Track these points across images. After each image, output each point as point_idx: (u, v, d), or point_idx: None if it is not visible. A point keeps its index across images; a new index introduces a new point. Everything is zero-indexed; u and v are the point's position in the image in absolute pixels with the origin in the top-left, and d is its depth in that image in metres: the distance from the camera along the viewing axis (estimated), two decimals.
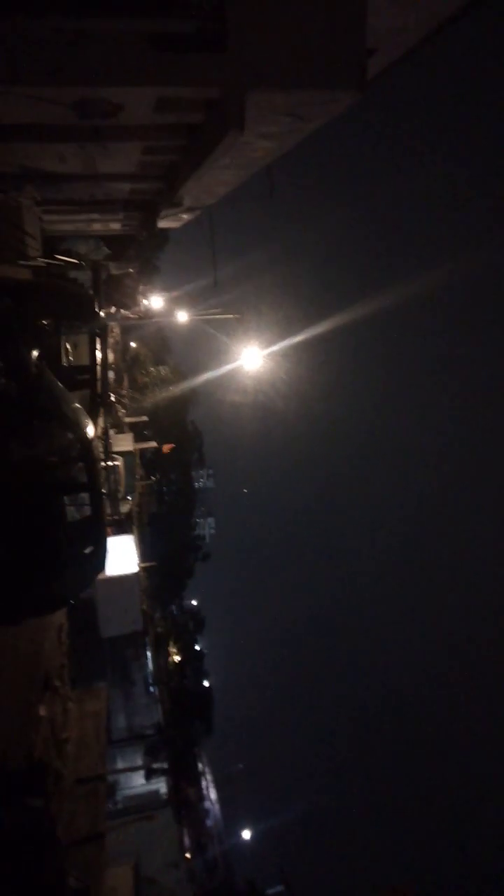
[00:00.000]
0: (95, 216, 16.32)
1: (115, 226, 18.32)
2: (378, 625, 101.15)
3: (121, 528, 19.87)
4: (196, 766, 35.23)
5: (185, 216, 14.08)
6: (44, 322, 10.73)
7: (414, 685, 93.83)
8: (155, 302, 28.05)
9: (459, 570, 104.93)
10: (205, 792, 35.53)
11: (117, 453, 20.57)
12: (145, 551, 27.43)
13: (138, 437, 27.13)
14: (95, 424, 10.37)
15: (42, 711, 12.06)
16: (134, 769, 24.88)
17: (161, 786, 25.30)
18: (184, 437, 39.44)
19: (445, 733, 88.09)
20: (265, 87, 6.68)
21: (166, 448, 31.42)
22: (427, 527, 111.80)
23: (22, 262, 12.71)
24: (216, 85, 6.86)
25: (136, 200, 14.68)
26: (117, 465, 19.88)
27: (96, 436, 10.19)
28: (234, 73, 6.62)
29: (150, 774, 25.46)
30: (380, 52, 8.90)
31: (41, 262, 13.68)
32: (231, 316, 21.69)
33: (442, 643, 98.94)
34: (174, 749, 28.25)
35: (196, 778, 34.65)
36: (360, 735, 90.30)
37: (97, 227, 18.05)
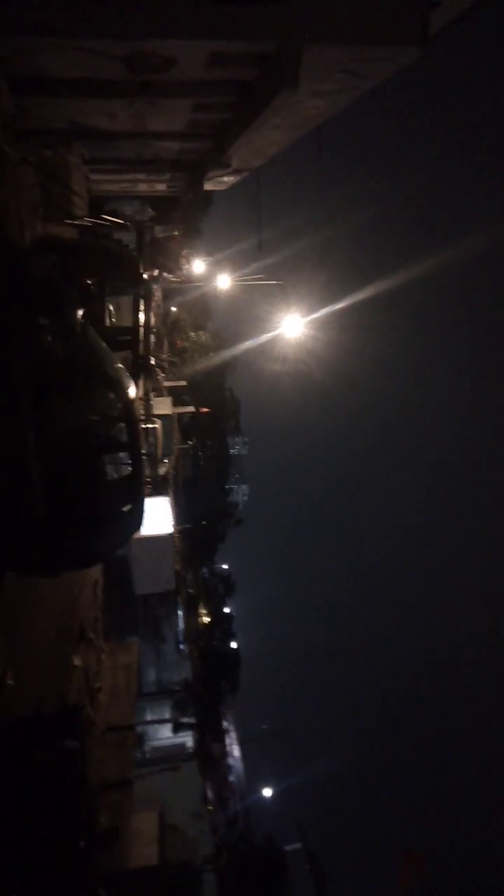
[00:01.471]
0: (141, 176, 16.18)
1: (161, 187, 18.15)
2: (410, 592, 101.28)
3: (157, 490, 20.15)
4: (221, 724, 36.19)
5: (232, 178, 13.84)
6: (88, 282, 10.79)
7: (445, 653, 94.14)
8: (197, 266, 27.86)
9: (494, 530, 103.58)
10: (229, 749, 36.58)
11: (156, 416, 20.75)
12: (180, 514, 27.84)
13: (177, 402, 27.30)
14: (137, 386, 10.47)
15: (77, 661, 12.54)
16: (162, 721, 25.74)
17: (187, 739, 26.18)
18: (221, 404, 39.52)
19: (472, 704, 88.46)
20: (322, 42, 6.46)
21: (203, 411, 31.53)
22: (461, 495, 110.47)
23: (68, 221, 12.74)
24: (271, 39, 6.67)
25: (183, 161, 14.48)
26: (156, 428, 20.08)
27: (137, 397, 10.30)
28: (291, 27, 6.42)
29: (177, 728, 26.33)
30: (442, 7, 8.48)
31: (87, 221, 13.68)
32: (273, 282, 21.42)
33: (479, 608, 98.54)
34: (201, 705, 29.10)
35: (221, 735, 35.63)
36: (384, 700, 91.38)
37: (143, 187, 17.91)
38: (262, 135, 9.60)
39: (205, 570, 42.22)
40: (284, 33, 6.53)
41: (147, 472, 18.00)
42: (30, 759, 6.76)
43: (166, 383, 27.37)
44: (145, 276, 13.80)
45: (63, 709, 8.09)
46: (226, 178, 13.63)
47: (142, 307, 12.28)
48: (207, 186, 14.99)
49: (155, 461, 19.75)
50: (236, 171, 13.01)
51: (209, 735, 30.44)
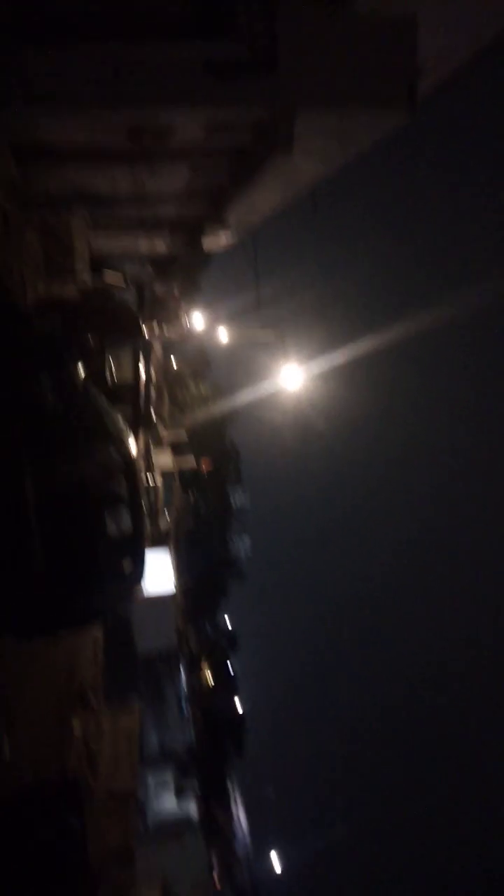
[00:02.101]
0: (142, 237, 16.67)
1: (161, 246, 18.68)
2: (417, 648, 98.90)
3: (158, 544, 19.95)
4: (226, 788, 34.75)
5: (230, 237, 14.26)
6: (90, 339, 10.96)
7: (458, 711, 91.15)
8: (196, 320, 28.42)
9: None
10: (234, 814, 34.99)
11: (157, 469, 20.74)
12: (181, 568, 27.46)
13: (177, 454, 27.33)
14: (137, 441, 10.49)
15: (76, 726, 12.09)
16: (164, 789, 24.70)
17: (191, 807, 25.05)
18: (222, 455, 39.55)
19: (498, 763, 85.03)
20: (314, 108, 6.73)
21: (205, 465, 31.52)
22: (472, 555, 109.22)
23: (70, 282, 13.04)
24: (265, 106, 6.95)
25: (182, 221, 14.94)
26: (156, 482, 20.05)
27: (138, 451, 10.29)
28: (284, 95, 6.70)
29: (180, 795, 25.22)
30: (428, 73, 8.89)
31: (89, 280, 14.02)
32: (271, 335, 21.78)
33: (486, 663, 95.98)
34: (204, 770, 27.96)
35: (226, 800, 34.14)
36: (396, 761, 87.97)
37: (143, 247, 18.43)
38: (257, 196, 9.93)
39: (208, 625, 41.33)
40: (277, 100, 6.81)
41: (148, 526, 17.85)
42: (28, 836, 6.42)
43: (166, 436, 27.49)
44: (145, 331, 14.04)
45: (63, 781, 7.72)
46: (224, 238, 14.03)
47: (142, 362, 12.44)
48: (206, 245, 15.43)
49: (156, 515, 19.62)
50: (234, 231, 13.41)
51: (213, 800, 29.16)
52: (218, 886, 24.39)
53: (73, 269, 12.75)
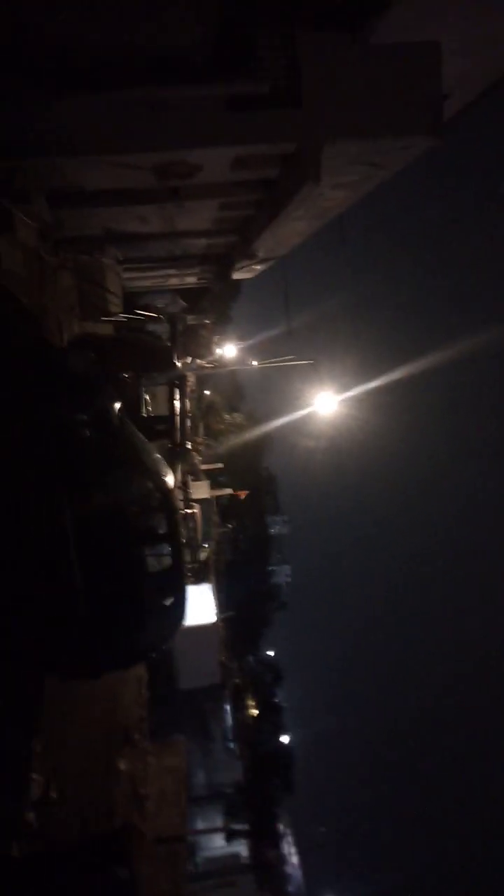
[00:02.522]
0: (172, 271, 16.95)
1: (191, 279, 18.97)
2: (468, 672, 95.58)
3: (198, 577, 19.82)
4: (276, 827, 33.76)
5: (259, 267, 14.36)
6: (125, 375, 11.08)
7: None
8: (229, 351, 28.61)
9: None
10: (286, 855, 33.90)
11: (194, 501, 20.71)
12: (222, 600, 27.21)
13: (214, 484, 27.32)
14: (174, 474, 10.47)
15: (122, 766, 11.88)
16: (214, 830, 24.08)
17: (242, 848, 24.32)
18: (258, 484, 39.42)
19: None
20: (341, 139, 6.72)
21: (242, 494, 31.43)
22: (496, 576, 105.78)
23: (104, 319, 13.28)
24: (292, 140, 6.98)
25: (211, 254, 15.15)
26: (194, 513, 19.99)
27: (176, 485, 10.26)
28: (310, 127, 6.71)
29: (230, 836, 24.53)
30: (453, 97, 8.86)
31: (122, 317, 14.26)
32: (304, 361, 21.73)
33: None
34: (254, 809, 27.22)
35: (277, 840, 33.14)
36: (454, 789, 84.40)
37: (174, 281, 18.75)
38: (285, 226, 9.96)
39: (251, 658, 40.74)
40: (303, 134, 6.83)
41: (188, 559, 17.75)
42: (77, 887, 6.24)
43: (203, 466, 27.52)
44: (178, 364, 14.16)
45: (111, 831, 7.54)
46: (253, 268, 14.14)
47: (176, 395, 12.51)
48: (235, 276, 15.58)
49: (195, 547, 19.52)
50: (262, 261, 13.51)
51: (264, 841, 28.31)
52: None
53: (107, 307, 12.99)
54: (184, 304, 19.61)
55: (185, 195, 8.77)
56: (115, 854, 7.03)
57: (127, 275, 15.86)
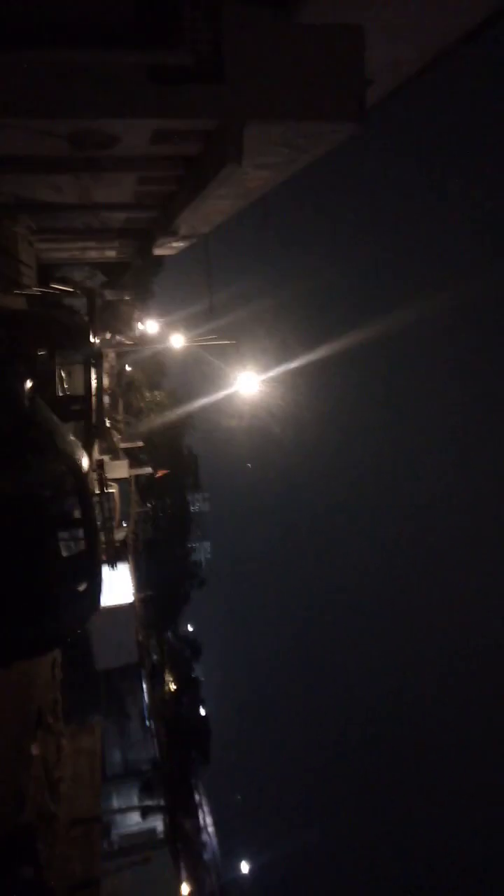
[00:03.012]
0: (90, 244, 16.32)
1: (111, 253, 18.34)
2: (380, 649, 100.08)
3: (116, 558, 19.54)
4: (193, 798, 34.36)
5: (181, 244, 14.06)
6: (38, 351, 10.59)
7: (423, 710, 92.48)
8: (150, 327, 28.07)
9: (462, 601, 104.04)
10: (202, 824, 34.61)
11: (113, 480, 20.31)
12: (140, 579, 27.04)
13: (133, 463, 26.87)
14: (90, 456, 10.17)
15: (35, 750, 11.64)
16: (129, 808, 24.20)
17: (157, 824, 24.60)
18: (179, 462, 39.13)
19: (462, 761, 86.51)
20: (263, 119, 6.62)
21: (160, 473, 31.14)
22: (430, 555, 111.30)
23: (16, 291, 12.62)
24: (214, 116, 6.81)
25: (131, 229, 14.68)
26: (112, 493, 19.62)
27: (91, 468, 9.99)
28: (232, 105, 6.57)
29: (146, 813, 24.74)
30: (377, 83, 8.92)
31: (36, 290, 13.61)
32: (227, 342, 21.69)
33: (447, 666, 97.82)
34: (171, 783, 27.54)
35: (193, 809, 33.76)
36: (365, 761, 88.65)
37: (92, 254, 18.06)
38: (208, 204, 9.77)
39: (169, 634, 40.82)
40: (225, 111, 6.68)
41: (104, 539, 17.45)
42: None
43: (122, 445, 26.99)
44: (97, 341, 13.70)
45: (16, 831, 7.38)
46: (174, 244, 13.83)
47: (93, 373, 12.10)
48: (157, 252, 15.18)
49: (112, 527, 19.19)
50: (184, 238, 13.22)
51: (181, 812, 28.75)
52: None
53: (19, 279, 12.36)
54: (103, 278, 18.98)
55: (101, 166, 8.41)
56: (19, 853, 6.91)
57: (41, 245, 15.13)
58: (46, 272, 16.65)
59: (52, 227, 13.46)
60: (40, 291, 13.71)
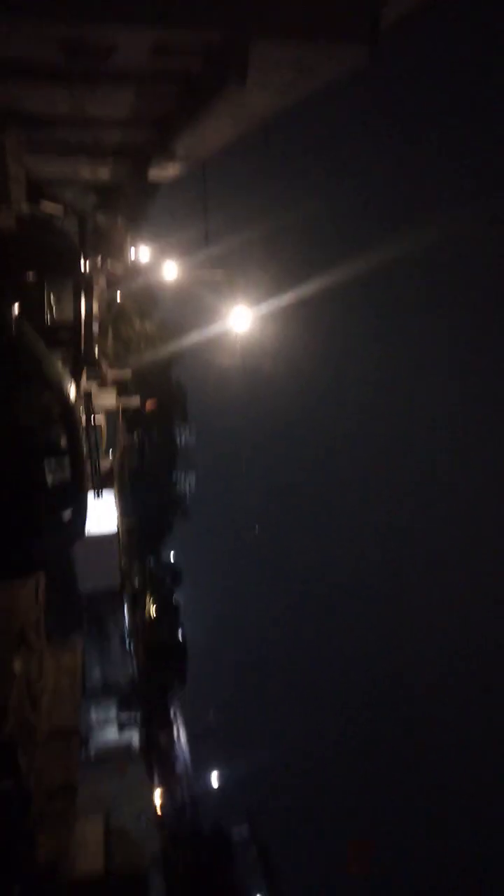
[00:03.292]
0: (83, 162, 15.57)
1: (104, 173, 17.52)
2: (361, 579, 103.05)
3: (101, 486, 19.68)
4: (168, 714, 36.04)
5: (178, 169, 13.49)
6: (25, 274, 10.27)
7: (402, 641, 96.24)
8: (142, 254, 27.26)
9: (458, 539, 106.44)
10: (175, 738, 36.49)
11: (100, 409, 20.23)
12: (125, 507, 27.33)
13: (121, 393, 26.68)
14: (77, 385, 10.06)
15: (17, 666, 12.09)
16: (107, 721, 25.42)
17: (133, 736, 25.94)
18: (168, 395, 38.93)
19: (429, 693, 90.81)
20: (271, 36, 6.25)
21: (149, 405, 31.00)
22: (422, 493, 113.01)
23: (4, 209, 12.09)
24: (218, 30, 6.41)
25: (126, 148, 13.99)
26: (99, 423, 19.57)
27: (78, 397, 9.90)
28: (239, 19, 6.18)
29: (122, 726, 26.04)
30: (390, 5, 8.39)
31: (25, 208, 13.04)
32: (220, 273, 21.15)
33: (427, 594, 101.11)
34: (147, 700, 28.85)
35: (168, 724, 35.48)
36: (336, 689, 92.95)
37: (85, 173, 17.23)
38: (208, 126, 9.33)
39: (151, 561, 41.72)
40: (232, 25, 6.28)
41: (90, 468, 17.51)
42: None
43: (111, 374, 26.69)
44: (86, 267, 13.28)
45: None
46: (171, 169, 13.27)
47: (83, 299, 11.80)
48: (152, 175, 14.54)
49: (98, 456, 19.24)
50: (182, 162, 12.68)
51: (155, 728, 30.24)
52: (159, 812, 25.63)
53: (7, 194, 11.83)
54: (95, 199, 18.19)
55: (97, 79, 7.93)
56: (0, 765, 7.28)
57: (32, 160, 14.40)
58: (37, 189, 15.91)
59: (44, 143, 12.78)
60: (30, 209, 13.15)
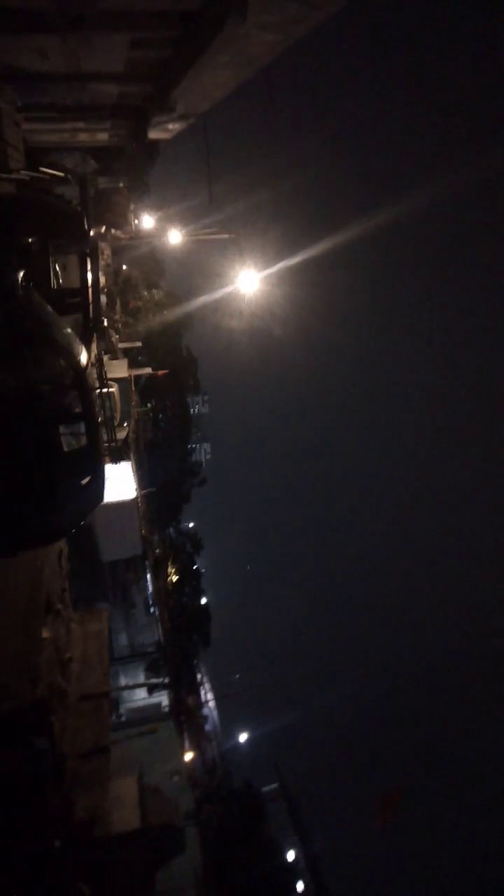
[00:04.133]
0: (81, 125, 15.16)
1: (103, 136, 17.09)
2: (377, 548, 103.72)
3: (118, 455, 19.72)
4: (195, 677, 36.81)
5: (178, 124, 13.07)
6: (29, 241, 10.07)
7: (420, 604, 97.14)
8: (146, 221, 26.79)
9: (458, 494, 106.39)
10: (203, 699, 37.32)
11: (112, 380, 20.12)
12: (143, 477, 27.49)
13: (132, 363, 26.56)
14: (88, 351, 9.94)
15: (45, 634, 12.31)
16: (136, 685, 26.01)
17: (162, 699, 26.54)
18: (178, 363, 38.73)
19: (450, 654, 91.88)
20: None
21: (161, 373, 30.87)
22: (426, 450, 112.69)
23: (3, 176, 11.84)
24: None
25: (124, 106, 13.58)
26: (112, 392, 19.49)
27: (90, 363, 9.79)
28: None
29: (151, 689, 26.63)
30: None
31: (24, 175, 12.75)
32: (226, 235, 20.70)
33: (452, 559, 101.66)
34: (174, 663, 29.46)
35: (195, 687, 36.26)
36: (356, 645, 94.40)
37: (83, 137, 16.82)
38: (207, 75, 8.96)
39: (171, 529, 42.12)
40: None
41: (106, 437, 17.52)
42: None
43: (121, 345, 26.53)
44: (91, 232, 13.02)
45: (30, 706, 7.87)
46: (171, 125, 12.88)
47: (90, 266, 11.59)
48: (152, 134, 14.13)
49: (113, 426, 19.22)
50: (182, 117, 12.28)
51: (184, 689, 30.94)
52: (191, 769, 26.34)
53: (6, 161, 11.55)
54: (95, 164, 17.77)
55: (90, 25, 7.60)
56: (34, 725, 7.41)
57: (28, 126, 14.04)
58: (35, 156, 15.55)
59: (39, 104, 12.42)
60: (29, 176, 12.85)
